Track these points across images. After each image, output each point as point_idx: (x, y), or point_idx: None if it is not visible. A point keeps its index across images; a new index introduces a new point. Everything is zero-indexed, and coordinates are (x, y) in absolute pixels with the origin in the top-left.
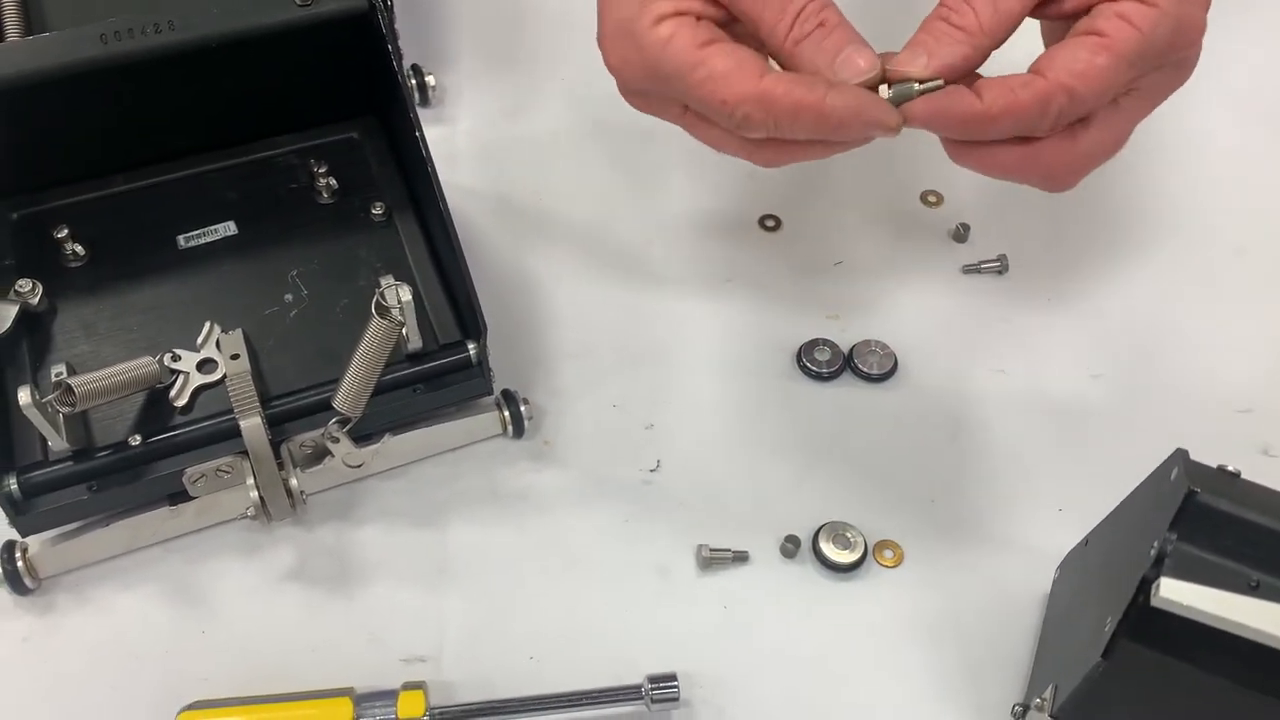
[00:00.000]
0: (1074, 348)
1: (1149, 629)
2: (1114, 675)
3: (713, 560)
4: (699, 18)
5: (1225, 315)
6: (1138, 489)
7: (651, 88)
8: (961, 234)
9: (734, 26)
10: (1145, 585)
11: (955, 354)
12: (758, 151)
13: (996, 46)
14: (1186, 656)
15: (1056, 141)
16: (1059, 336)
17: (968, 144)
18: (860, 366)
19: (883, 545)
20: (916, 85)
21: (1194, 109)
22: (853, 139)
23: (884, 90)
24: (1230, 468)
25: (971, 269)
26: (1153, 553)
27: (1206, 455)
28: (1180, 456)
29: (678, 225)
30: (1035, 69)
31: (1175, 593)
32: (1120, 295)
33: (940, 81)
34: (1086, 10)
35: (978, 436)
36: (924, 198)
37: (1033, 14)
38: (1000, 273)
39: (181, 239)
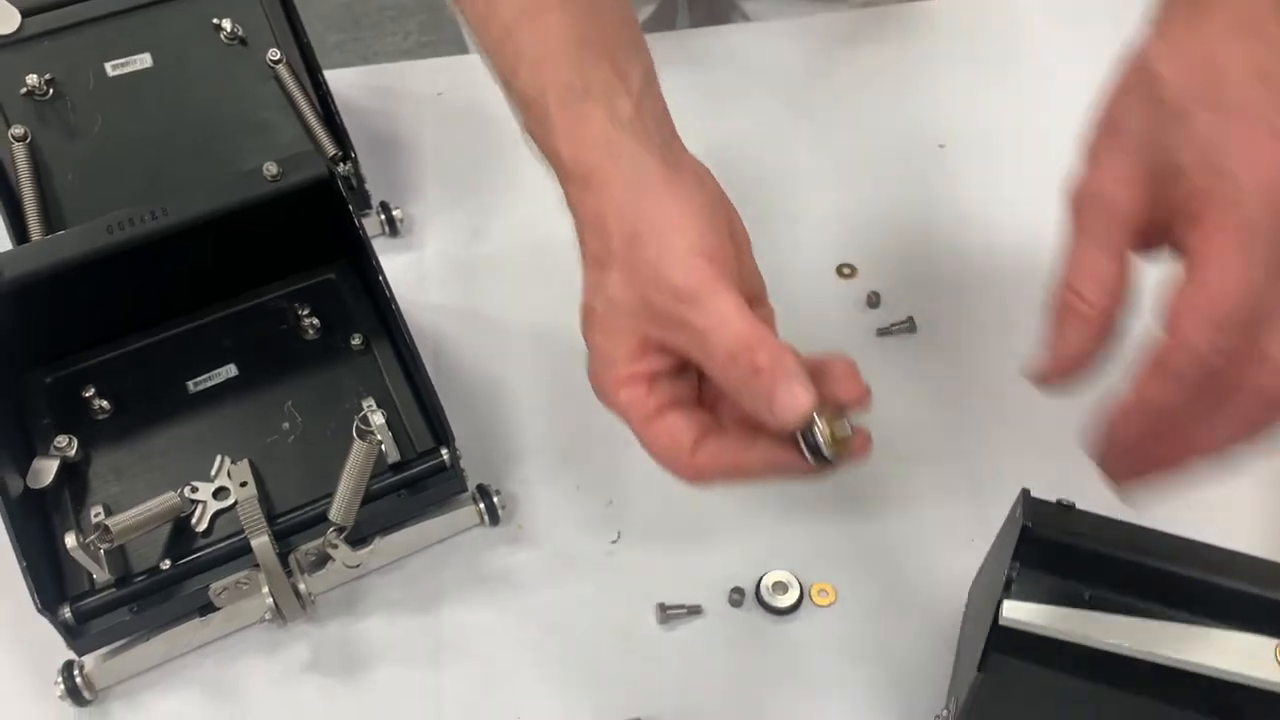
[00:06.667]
0: (983, 392)
1: (1010, 643)
2: (991, 685)
3: (670, 616)
4: (654, 377)
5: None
6: (1003, 524)
7: None
8: (874, 300)
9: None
10: (999, 607)
11: (876, 408)
12: None
13: (1117, 310)
14: (1047, 664)
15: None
16: (968, 383)
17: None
18: None
19: (818, 587)
20: (824, 430)
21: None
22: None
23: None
24: (1066, 500)
25: (885, 331)
26: (1004, 579)
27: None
28: (1022, 495)
29: None
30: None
31: (1016, 612)
32: (1023, 341)
33: (849, 432)
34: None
35: (900, 481)
36: (839, 270)
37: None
38: (910, 332)
39: (191, 384)
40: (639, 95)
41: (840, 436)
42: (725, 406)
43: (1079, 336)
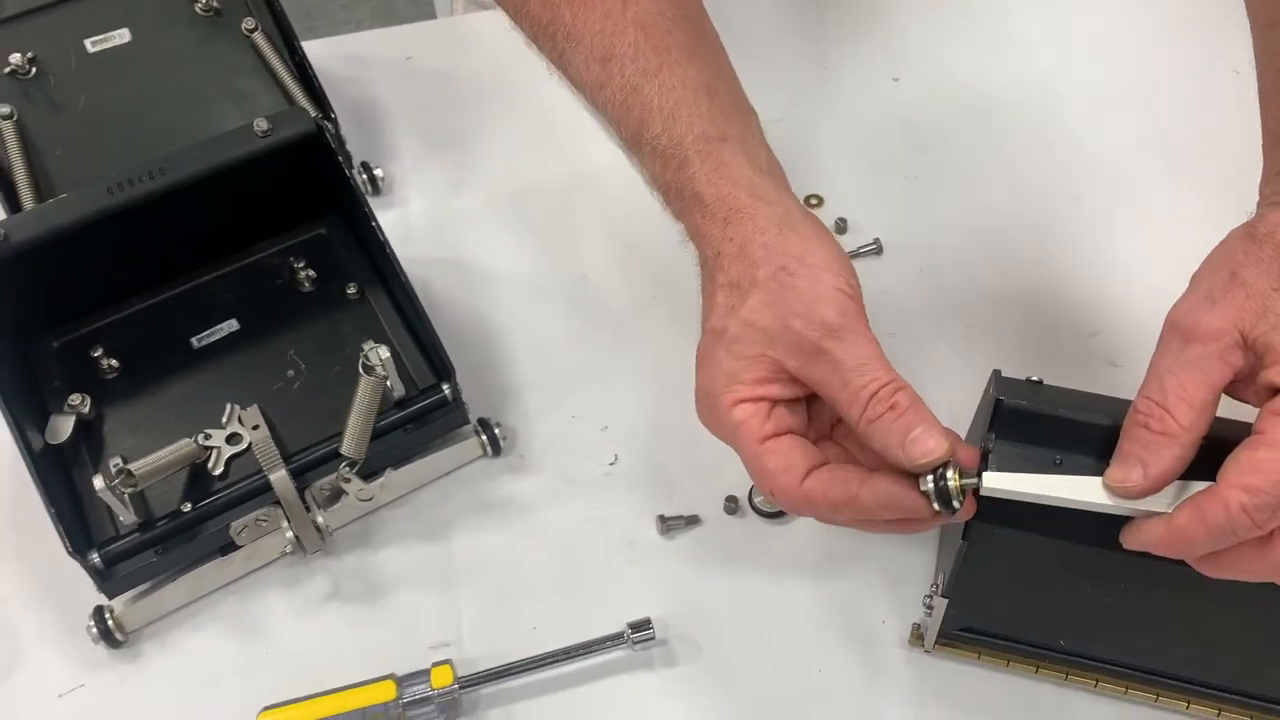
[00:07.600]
0: (945, 306)
1: (991, 512)
2: (976, 553)
3: (670, 527)
4: (774, 403)
5: (1067, 259)
6: (978, 406)
7: (727, 444)
8: (842, 226)
9: (816, 401)
10: (979, 479)
11: None
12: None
13: (1201, 437)
14: (1027, 527)
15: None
16: (931, 299)
17: (1213, 557)
18: None
19: None
20: (952, 477)
21: (1041, 75)
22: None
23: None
24: (1034, 378)
25: (854, 254)
26: (981, 452)
27: (1065, 372)
28: (994, 375)
29: (603, 260)
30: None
31: (995, 480)
32: (979, 254)
33: (975, 480)
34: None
35: None
36: (807, 201)
37: (1229, 394)
38: (877, 254)
39: (194, 340)
40: (763, 144)
41: (968, 486)
42: (831, 449)
43: (1172, 457)
